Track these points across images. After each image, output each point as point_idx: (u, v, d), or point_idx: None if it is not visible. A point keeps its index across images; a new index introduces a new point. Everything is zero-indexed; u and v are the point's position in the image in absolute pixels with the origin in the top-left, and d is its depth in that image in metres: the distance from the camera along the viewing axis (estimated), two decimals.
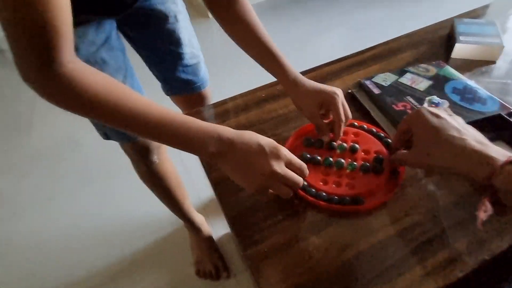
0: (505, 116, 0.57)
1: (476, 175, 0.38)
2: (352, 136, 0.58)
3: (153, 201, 1.04)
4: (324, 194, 0.50)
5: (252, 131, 0.47)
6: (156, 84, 0.87)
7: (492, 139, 0.41)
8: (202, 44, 0.85)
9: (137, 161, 0.83)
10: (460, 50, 0.74)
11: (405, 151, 0.48)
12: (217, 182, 0.55)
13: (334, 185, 0.51)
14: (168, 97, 0.89)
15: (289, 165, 0.45)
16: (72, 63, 0.39)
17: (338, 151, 0.56)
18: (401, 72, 0.70)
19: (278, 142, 0.46)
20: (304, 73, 0.77)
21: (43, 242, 1.27)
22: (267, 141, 0.45)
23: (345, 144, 0.56)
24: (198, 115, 0.68)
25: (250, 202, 0.51)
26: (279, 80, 0.61)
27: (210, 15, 2.57)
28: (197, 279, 1.08)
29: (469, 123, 0.55)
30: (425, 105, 0.59)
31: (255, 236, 0.47)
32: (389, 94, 0.65)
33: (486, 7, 0.93)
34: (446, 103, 0.60)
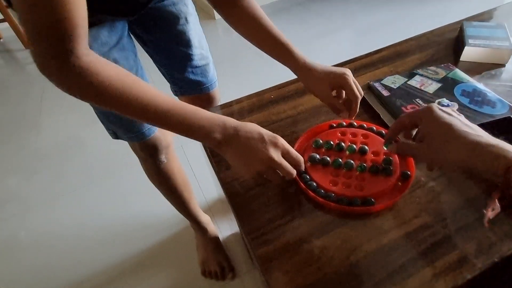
0: None
1: (492, 169, 0.37)
2: (362, 138, 0.59)
3: (160, 201, 1.05)
4: (333, 195, 0.50)
5: None
6: (165, 85, 0.88)
7: None
8: (210, 46, 0.85)
9: (146, 160, 0.84)
10: (469, 53, 0.74)
11: (413, 143, 0.48)
12: (226, 182, 0.56)
13: (343, 186, 0.51)
14: (176, 97, 0.90)
15: (286, 154, 0.49)
16: (87, 55, 0.41)
17: (347, 152, 0.56)
18: (410, 75, 0.70)
19: (288, 143, 0.47)
20: None
21: (50, 240, 1.28)
22: (266, 131, 0.49)
23: (354, 146, 0.56)
24: None
25: (259, 202, 0.52)
26: (289, 67, 0.63)
27: (216, 16, 2.59)
28: (203, 279, 1.09)
29: (478, 125, 0.56)
30: None
31: (265, 236, 0.47)
32: (398, 96, 0.65)
33: (495, 10, 0.93)
34: (455, 106, 0.61)
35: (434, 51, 0.80)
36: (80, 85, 0.42)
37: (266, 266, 0.44)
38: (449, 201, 0.49)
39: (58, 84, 0.42)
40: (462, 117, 0.44)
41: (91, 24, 0.43)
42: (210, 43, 0.86)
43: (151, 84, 0.74)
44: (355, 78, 0.74)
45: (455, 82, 0.67)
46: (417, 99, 0.64)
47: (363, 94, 0.59)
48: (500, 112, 0.59)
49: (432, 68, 0.71)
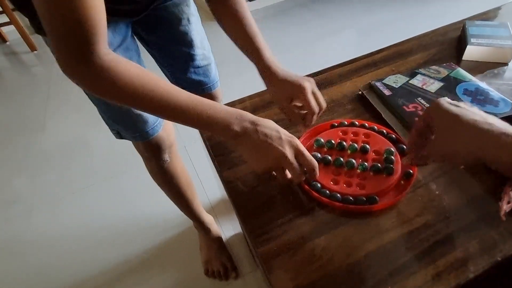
0: None
1: (505, 157, 0.35)
2: (363, 137, 0.59)
3: (163, 201, 1.06)
4: (335, 194, 0.50)
5: None
6: None
7: None
8: (211, 46, 0.86)
9: (149, 159, 0.85)
10: (471, 52, 0.74)
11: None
12: (228, 181, 0.56)
13: (344, 185, 0.51)
14: None
15: (301, 156, 0.48)
16: (108, 54, 0.42)
17: (349, 151, 0.57)
18: (412, 74, 0.70)
19: None
20: (313, 75, 0.77)
21: (54, 239, 1.30)
22: (284, 130, 0.50)
23: (356, 145, 0.57)
24: None
25: (261, 201, 0.52)
26: (258, 70, 0.62)
27: None
28: (206, 278, 1.09)
29: None
30: None
31: (266, 234, 0.48)
32: (400, 95, 0.65)
33: (498, 9, 0.92)
34: None
35: (436, 50, 0.79)
36: (102, 85, 0.43)
37: (267, 264, 0.44)
38: (451, 199, 0.49)
39: (82, 84, 0.43)
40: (472, 108, 0.42)
41: None
42: (213, 43, 0.86)
43: None
44: (357, 78, 0.75)
45: (457, 81, 0.67)
46: (419, 98, 0.64)
47: (325, 105, 0.58)
48: (503, 111, 0.58)
49: (434, 67, 0.71)
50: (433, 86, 0.66)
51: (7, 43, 2.87)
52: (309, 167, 0.49)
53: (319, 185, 0.52)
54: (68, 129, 1.86)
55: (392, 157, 0.54)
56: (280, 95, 0.59)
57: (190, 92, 0.91)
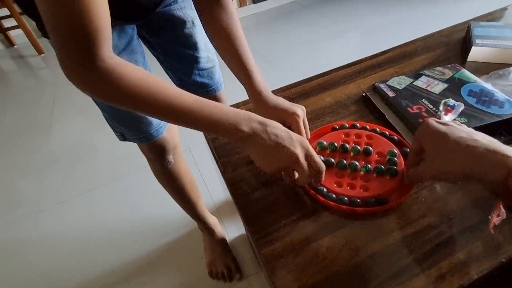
0: None
1: (492, 176, 0.36)
2: (366, 139, 0.59)
3: (168, 202, 1.06)
4: (338, 196, 0.50)
5: None
6: None
7: (508, 142, 0.40)
8: None
9: (154, 160, 0.86)
10: (476, 53, 0.74)
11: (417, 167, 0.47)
12: (232, 183, 0.56)
13: (348, 187, 0.51)
14: None
15: (309, 158, 0.48)
16: (112, 58, 0.42)
17: (351, 153, 0.57)
18: (416, 75, 0.70)
19: None
20: (317, 77, 0.78)
21: (59, 241, 1.31)
22: (292, 133, 0.49)
23: (358, 147, 0.57)
24: None
25: (264, 202, 0.52)
26: (248, 94, 0.62)
27: None
28: (210, 280, 1.09)
29: (485, 125, 0.55)
30: (441, 107, 0.59)
31: (270, 235, 0.48)
32: (404, 97, 0.65)
33: (503, 9, 0.92)
34: (462, 106, 0.60)
35: (441, 51, 0.79)
36: (107, 89, 0.42)
37: (271, 266, 0.44)
38: (455, 201, 0.49)
39: (86, 89, 0.43)
40: (461, 126, 0.43)
41: None
42: None
43: None
44: (361, 79, 0.75)
45: (462, 82, 0.66)
46: (424, 100, 0.63)
47: (309, 136, 0.59)
48: (508, 112, 0.58)
49: (439, 68, 0.71)
50: (438, 87, 0.66)
51: (15, 46, 2.91)
52: (317, 169, 0.49)
53: (325, 189, 0.51)
54: (74, 131, 1.88)
55: (395, 158, 0.54)
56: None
57: (195, 94, 0.92)
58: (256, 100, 0.61)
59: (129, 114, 0.70)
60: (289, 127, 0.58)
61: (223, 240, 1.14)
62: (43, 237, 1.33)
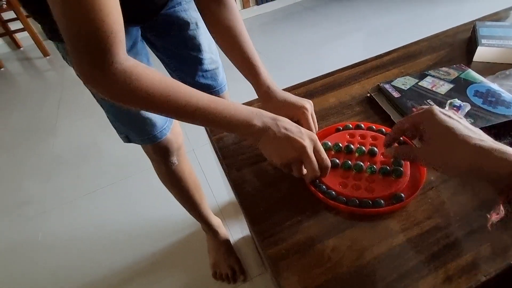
0: None
1: (496, 173, 0.36)
2: (370, 139, 0.58)
3: (171, 204, 1.06)
4: (343, 197, 0.50)
5: None
6: None
7: None
8: (219, 50, 0.87)
9: (158, 162, 0.86)
10: (482, 53, 0.73)
11: (414, 146, 0.47)
12: (236, 183, 0.56)
13: (353, 188, 0.51)
14: None
15: (317, 153, 0.49)
16: (127, 60, 0.42)
17: (356, 154, 0.56)
18: (421, 76, 0.69)
19: None
20: (321, 77, 0.77)
21: (65, 241, 1.32)
22: (302, 127, 0.51)
23: (363, 148, 0.56)
24: None
25: (269, 203, 0.52)
26: (255, 90, 0.63)
27: None
28: (214, 281, 1.09)
29: (491, 126, 0.55)
30: (447, 108, 0.59)
31: (275, 236, 0.48)
32: (409, 97, 0.64)
33: (509, 9, 0.91)
34: (468, 106, 0.60)
35: (446, 52, 0.79)
36: (123, 91, 0.43)
37: (276, 267, 0.44)
38: (462, 202, 0.48)
39: (103, 92, 0.43)
40: (463, 120, 0.43)
41: None
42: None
43: None
44: (365, 80, 0.74)
45: (468, 82, 0.66)
46: (429, 100, 0.63)
47: (317, 129, 0.60)
48: None
49: (444, 69, 0.70)
50: (443, 87, 0.65)
51: (21, 48, 2.94)
52: (322, 165, 0.50)
53: (333, 192, 0.51)
54: (79, 132, 1.90)
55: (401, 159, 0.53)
56: (279, 115, 0.59)
57: None
58: (263, 95, 0.62)
59: (134, 116, 0.70)
60: (297, 122, 0.58)
61: (226, 241, 1.14)
62: (48, 238, 1.34)
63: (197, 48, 0.78)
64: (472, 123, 0.55)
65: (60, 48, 0.61)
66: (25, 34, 2.61)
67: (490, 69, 0.70)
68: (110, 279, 1.16)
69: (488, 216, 0.40)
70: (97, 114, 1.39)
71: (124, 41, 0.41)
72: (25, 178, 1.66)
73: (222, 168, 0.61)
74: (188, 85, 0.84)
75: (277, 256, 0.45)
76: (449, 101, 0.62)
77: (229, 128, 0.50)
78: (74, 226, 1.37)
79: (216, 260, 1.10)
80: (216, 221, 1.13)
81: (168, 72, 0.85)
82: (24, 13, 2.50)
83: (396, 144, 0.50)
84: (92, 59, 0.40)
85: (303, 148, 0.48)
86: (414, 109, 0.62)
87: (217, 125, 0.49)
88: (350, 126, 0.61)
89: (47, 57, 2.70)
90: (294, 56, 2.19)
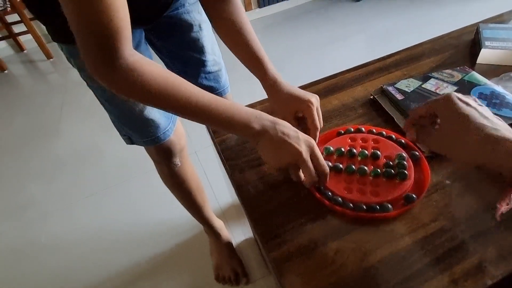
0: None
1: (506, 164, 0.36)
2: (372, 143, 0.58)
3: (174, 206, 1.06)
4: (347, 201, 0.49)
5: None
6: None
7: None
8: (222, 52, 0.87)
9: (160, 163, 0.86)
10: (486, 56, 0.73)
11: (432, 131, 0.46)
12: (239, 185, 0.56)
13: (359, 193, 0.50)
14: None
15: (314, 158, 0.49)
16: (133, 55, 0.43)
17: (359, 158, 0.56)
18: (425, 78, 0.69)
19: None
20: (324, 80, 0.77)
21: (67, 243, 1.32)
22: (300, 132, 0.51)
23: (366, 151, 0.56)
24: None
25: (272, 205, 0.52)
26: (261, 84, 0.63)
27: None
28: (217, 284, 1.09)
29: None
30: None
31: (278, 238, 0.47)
32: (413, 99, 0.64)
33: None
34: None
35: (450, 54, 0.78)
36: (128, 85, 0.44)
37: (279, 269, 0.44)
38: (467, 204, 0.48)
39: (110, 85, 0.45)
40: (482, 108, 0.42)
41: None
42: (223, 49, 0.87)
43: None
44: (368, 82, 0.74)
45: (472, 85, 0.66)
46: None
47: (321, 125, 0.59)
48: None
49: (448, 71, 0.70)
50: (447, 90, 0.65)
51: (25, 51, 2.96)
52: (320, 171, 0.49)
53: (339, 199, 0.50)
54: (82, 135, 1.90)
55: (405, 162, 0.53)
56: (285, 109, 0.60)
57: None
58: (270, 89, 0.62)
59: (137, 117, 0.70)
60: (302, 116, 0.58)
61: (229, 244, 1.14)
62: (51, 240, 1.34)
63: (200, 50, 0.78)
64: None
65: (64, 50, 0.61)
66: (29, 36, 2.63)
67: (494, 71, 0.70)
68: (112, 281, 1.16)
69: (498, 206, 0.39)
70: (99, 116, 1.39)
71: (130, 38, 0.43)
72: (28, 180, 1.66)
73: (225, 170, 0.60)
74: None
75: (281, 259, 0.45)
76: None
77: (228, 129, 0.51)
78: (76, 228, 1.37)
79: (219, 263, 1.10)
80: (218, 223, 1.12)
81: None
82: (28, 15, 2.52)
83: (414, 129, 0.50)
84: (99, 54, 0.41)
85: (298, 153, 0.48)
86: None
87: (217, 124, 0.50)
88: (351, 129, 0.61)
89: (50, 59, 2.72)
90: (296, 58, 2.19)
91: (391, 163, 0.54)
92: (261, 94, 0.77)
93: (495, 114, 0.57)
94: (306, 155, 0.48)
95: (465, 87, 0.65)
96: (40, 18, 0.56)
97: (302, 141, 0.49)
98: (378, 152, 0.55)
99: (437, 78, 0.68)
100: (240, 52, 0.63)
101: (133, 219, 1.36)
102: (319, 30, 2.53)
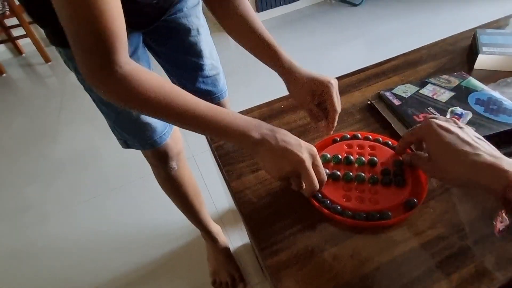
0: None
1: (492, 188, 0.38)
2: (369, 149, 0.58)
3: (172, 210, 1.06)
4: (349, 211, 0.49)
5: None
6: None
7: None
8: (220, 56, 0.87)
9: (157, 167, 0.85)
10: (483, 61, 0.73)
11: (425, 156, 0.48)
12: (237, 191, 0.56)
13: (357, 201, 0.50)
14: None
15: (315, 167, 0.48)
16: (129, 64, 0.43)
17: (356, 165, 0.55)
18: (422, 84, 0.69)
19: None
20: None
21: (65, 247, 1.31)
22: (301, 140, 0.50)
23: (363, 158, 0.56)
24: None
25: (269, 212, 0.52)
26: (274, 69, 0.62)
27: None
28: None
29: (493, 134, 0.55)
30: (448, 116, 0.58)
31: (275, 245, 0.47)
32: (410, 105, 0.64)
33: (509, 17, 0.91)
34: (469, 114, 0.59)
35: (447, 59, 0.79)
36: (124, 93, 0.44)
37: (276, 276, 0.44)
38: (465, 211, 0.48)
39: (104, 93, 0.44)
40: (464, 130, 0.43)
41: None
42: (221, 54, 0.87)
43: None
44: (366, 88, 0.74)
45: (469, 90, 0.66)
46: (430, 108, 0.63)
47: (340, 109, 0.59)
48: None
49: (445, 76, 0.70)
50: (444, 95, 0.65)
51: (23, 55, 2.96)
52: (320, 180, 0.48)
53: (338, 207, 0.50)
54: (80, 138, 1.89)
55: (402, 168, 0.53)
56: (304, 92, 0.59)
57: None
58: (286, 74, 0.61)
59: (133, 122, 0.70)
60: (321, 97, 0.58)
61: (226, 249, 1.13)
62: (48, 243, 1.33)
63: (198, 54, 0.78)
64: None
65: (62, 53, 0.61)
66: (27, 40, 2.63)
67: (491, 77, 0.70)
68: (108, 286, 1.15)
69: (494, 223, 0.40)
70: (98, 119, 1.39)
71: (126, 45, 0.42)
72: (26, 183, 1.65)
73: (222, 175, 0.60)
74: (188, 91, 0.84)
75: (278, 266, 0.45)
76: (450, 109, 0.62)
77: (226, 137, 0.50)
78: (74, 232, 1.36)
79: (216, 268, 1.09)
80: (215, 228, 1.12)
81: (169, 77, 0.85)
82: (27, 19, 2.52)
83: (409, 151, 0.53)
84: (95, 61, 0.41)
85: (301, 162, 0.46)
86: (415, 116, 0.61)
87: (215, 133, 0.49)
88: (348, 136, 0.61)
89: (49, 63, 2.72)
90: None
91: (388, 169, 0.53)
92: (259, 99, 0.77)
93: (493, 120, 0.58)
94: (308, 163, 0.47)
95: (462, 92, 0.65)
96: (38, 22, 0.56)
97: (304, 149, 0.47)
98: (375, 159, 0.55)
99: (434, 84, 0.69)
100: (251, 44, 0.62)
101: (130, 223, 1.35)
102: (318, 35, 2.54)
